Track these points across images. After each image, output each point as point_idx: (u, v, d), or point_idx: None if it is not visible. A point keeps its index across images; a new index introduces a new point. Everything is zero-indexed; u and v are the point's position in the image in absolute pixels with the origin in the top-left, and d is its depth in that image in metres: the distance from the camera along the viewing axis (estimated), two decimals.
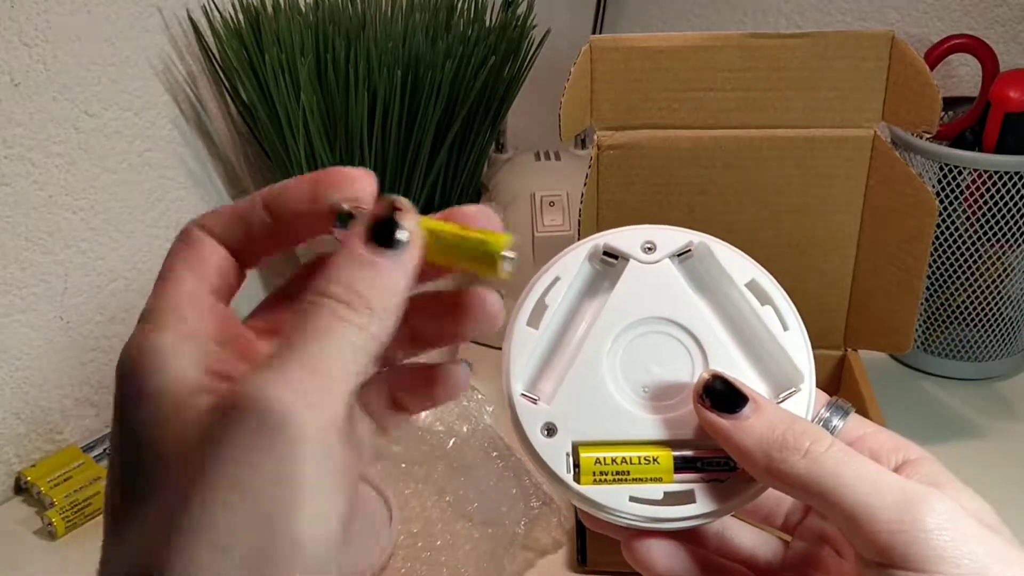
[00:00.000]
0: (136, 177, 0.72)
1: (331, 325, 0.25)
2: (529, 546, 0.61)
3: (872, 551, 0.28)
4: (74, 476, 0.67)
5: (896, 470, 0.31)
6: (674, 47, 0.60)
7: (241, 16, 0.71)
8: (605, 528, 0.34)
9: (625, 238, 0.35)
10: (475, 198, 0.80)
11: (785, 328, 0.34)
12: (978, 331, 0.77)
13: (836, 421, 0.33)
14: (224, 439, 0.24)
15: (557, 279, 0.34)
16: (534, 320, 0.34)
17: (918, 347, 0.79)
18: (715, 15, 0.96)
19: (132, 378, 0.26)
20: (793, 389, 0.33)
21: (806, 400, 0.33)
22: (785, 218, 0.63)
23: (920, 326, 0.78)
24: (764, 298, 0.34)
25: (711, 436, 0.32)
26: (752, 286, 0.35)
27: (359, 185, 0.28)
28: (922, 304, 0.77)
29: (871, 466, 0.29)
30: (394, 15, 0.74)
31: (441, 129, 0.71)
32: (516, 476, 0.64)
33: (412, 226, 0.27)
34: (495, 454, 0.66)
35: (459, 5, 0.74)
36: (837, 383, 0.68)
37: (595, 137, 0.61)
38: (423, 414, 0.66)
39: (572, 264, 0.35)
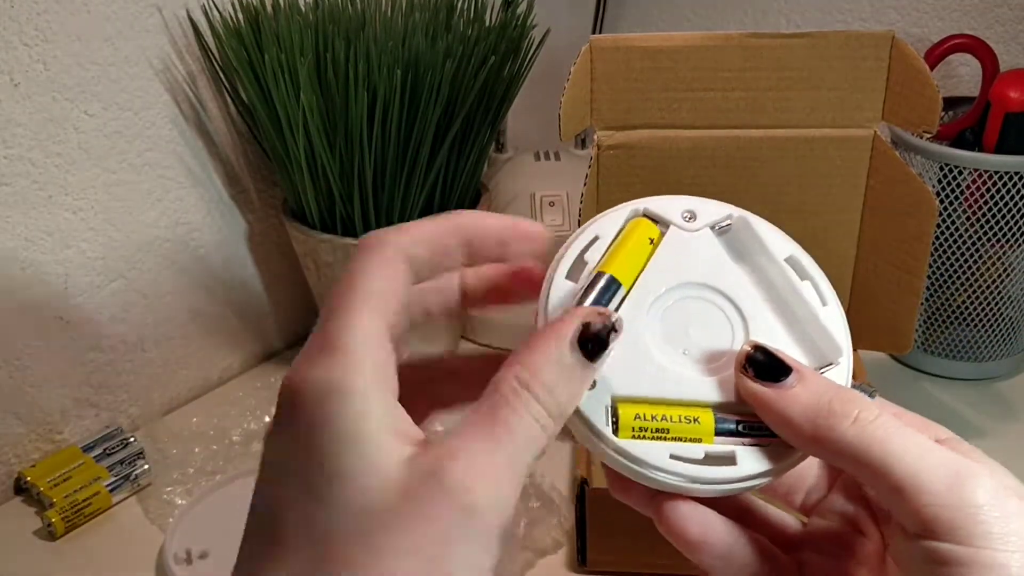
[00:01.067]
0: (136, 177, 0.72)
1: (527, 425, 0.26)
2: (529, 546, 0.61)
3: (916, 524, 0.28)
4: (74, 476, 0.67)
5: None
6: (674, 47, 0.60)
7: (241, 16, 0.71)
8: (638, 495, 0.32)
9: (666, 205, 0.35)
10: (475, 198, 0.80)
11: (824, 303, 0.34)
12: (978, 331, 0.77)
13: None
14: (422, 498, 0.24)
15: (596, 238, 0.33)
16: (573, 275, 0.33)
17: (918, 347, 0.79)
18: (715, 15, 0.96)
19: (323, 419, 0.25)
20: (832, 363, 0.33)
21: (844, 374, 0.33)
22: (785, 218, 0.62)
23: (920, 326, 0.78)
24: (803, 273, 0.34)
25: (753, 406, 0.31)
26: (791, 261, 0.34)
27: (538, 244, 0.31)
28: (922, 304, 0.77)
29: (920, 439, 0.29)
30: (394, 15, 0.74)
31: (441, 129, 0.71)
32: None
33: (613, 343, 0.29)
34: None
35: (459, 5, 0.74)
36: None
37: (595, 137, 0.61)
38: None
39: (611, 226, 0.34)
